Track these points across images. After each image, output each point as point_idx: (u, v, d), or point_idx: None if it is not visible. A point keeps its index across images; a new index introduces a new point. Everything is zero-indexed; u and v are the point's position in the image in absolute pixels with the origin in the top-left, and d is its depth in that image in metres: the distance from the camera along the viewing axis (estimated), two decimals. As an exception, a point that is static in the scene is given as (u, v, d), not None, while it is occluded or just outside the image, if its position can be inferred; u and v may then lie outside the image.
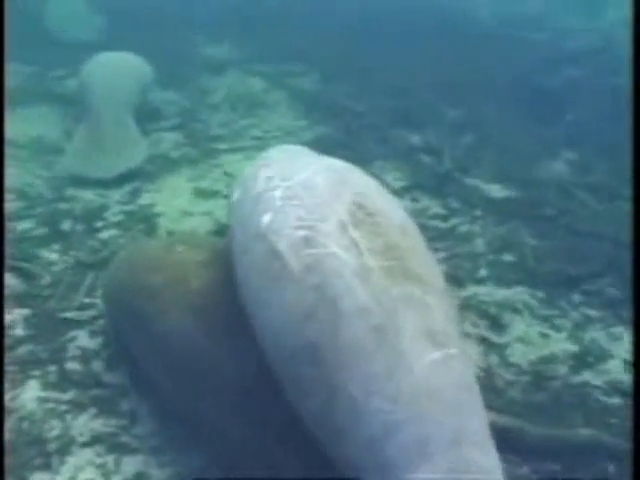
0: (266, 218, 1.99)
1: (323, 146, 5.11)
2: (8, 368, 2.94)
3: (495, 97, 5.66)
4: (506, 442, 2.47)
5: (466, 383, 1.67)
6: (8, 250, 3.77)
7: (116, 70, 5.10)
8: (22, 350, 3.05)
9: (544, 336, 3.07)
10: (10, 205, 4.34)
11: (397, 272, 1.77)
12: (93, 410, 2.71)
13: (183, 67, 6.64)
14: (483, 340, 3.04)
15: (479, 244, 3.74)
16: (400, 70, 6.35)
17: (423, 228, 3.89)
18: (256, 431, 2.22)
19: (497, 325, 3.13)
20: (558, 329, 3.11)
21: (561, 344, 3.02)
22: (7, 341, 3.11)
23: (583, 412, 2.61)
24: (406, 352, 1.60)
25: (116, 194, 4.45)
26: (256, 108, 5.79)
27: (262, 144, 5.13)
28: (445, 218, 4.01)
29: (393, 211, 2.09)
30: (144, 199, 4.36)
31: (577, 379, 2.81)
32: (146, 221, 4.09)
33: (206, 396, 2.28)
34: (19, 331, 3.18)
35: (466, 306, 3.25)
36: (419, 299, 1.73)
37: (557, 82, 5.32)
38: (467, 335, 3.07)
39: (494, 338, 3.05)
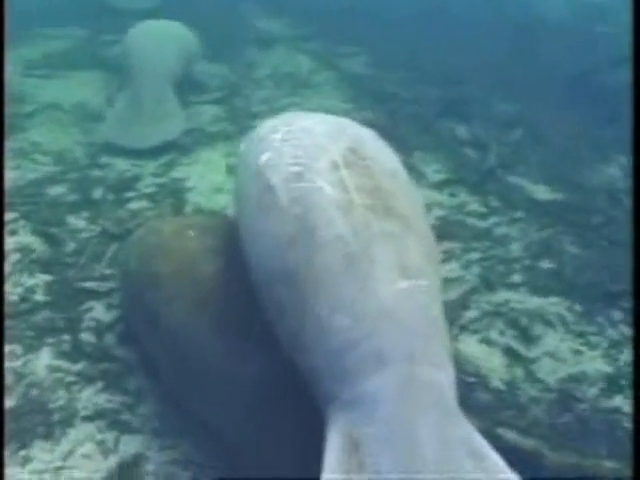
0: (264, 157, 2.13)
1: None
2: (25, 333, 2.94)
3: (551, 93, 5.36)
4: (523, 464, 2.33)
5: (430, 314, 1.77)
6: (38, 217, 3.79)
7: (158, 39, 5.03)
8: (40, 316, 3.04)
9: (576, 353, 2.88)
10: (46, 169, 4.37)
11: (380, 210, 1.86)
12: (100, 384, 2.68)
13: (233, 40, 6.53)
14: (509, 351, 2.86)
15: (516, 248, 3.54)
16: (454, 60, 6.10)
17: (459, 225, 3.79)
18: (258, 429, 2.14)
19: (526, 336, 2.94)
20: (592, 347, 2.91)
21: (594, 363, 2.82)
22: (26, 305, 3.12)
23: (610, 441, 2.42)
24: (374, 279, 1.72)
25: (150, 165, 4.40)
26: (301, 87, 5.65)
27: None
28: (483, 217, 3.81)
29: (387, 158, 2.18)
30: (177, 172, 4.30)
31: (607, 403, 2.62)
32: (176, 195, 4.03)
33: (208, 392, 2.20)
34: (39, 297, 3.17)
35: (495, 313, 3.07)
36: (398, 236, 1.83)
37: (619, 82, 4.99)
38: (492, 344, 2.91)
39: (521, 350, 2.87)
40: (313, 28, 7.03)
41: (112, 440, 2.43)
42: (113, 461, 2.35)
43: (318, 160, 1.98)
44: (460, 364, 2.76)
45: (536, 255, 3.47)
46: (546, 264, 3.41)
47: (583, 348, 2.90)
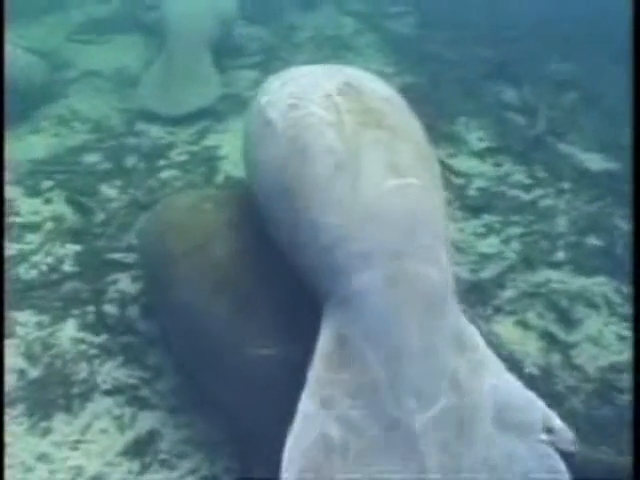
0: (265, 99, 2.23)
1: (407, 96, 4.72)
2: (52, 304, 2.95)
3: (611, 53, 4.95)
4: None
5: (421, 212, 1.78)
6: (72, 185, 3.79)
7: (195, 2, 4.89)
8: (67, 287, 3.04)
9: (621, 339, 2.66)
10: (83, 137, 4.36)
11: (371, 124, 1.89)
12: (121, 358, 2.66)
13: (274, 1, 6.33)
14: (546, 335, 2.67)
15: (562, 222, 3.30)
16: (506, 19, 5.73)
17: (500, 198, 3.56)
18: (273, 413, 2.06)
19: (567, 319, 2.74)
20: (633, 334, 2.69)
21: (640, 350, 2.61)
22: (55, 276, 3.12)
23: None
24: (363, 178, 1.77)
25: (184, 133, 4.33)
26: (343, 50, 5.43)
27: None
28: (528, 188, 3.56)
29: (383, 90, 2.19)
30: (210, 140, 4.21)
31: (654, 396, 2.42)
32: (208, 163, 3.96)
33: (222, 373, 2.13)
34: (67, 267, 3.17)
35: (534, 293, 2.87)
36: (387, 142, 1.86)
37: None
38: (528, 327, 2.72)
39: (561, 334, 2.68)
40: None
41: (129, 416, 2.41)
42: (129, 437, 2.33)
43: (313, 92, 2.06)
44: (492, 347, 2.58)
45: (583, 231, 3.23)
46: (593, 241, 3.17)
47: (629, 333, 2.69)
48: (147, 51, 5.42)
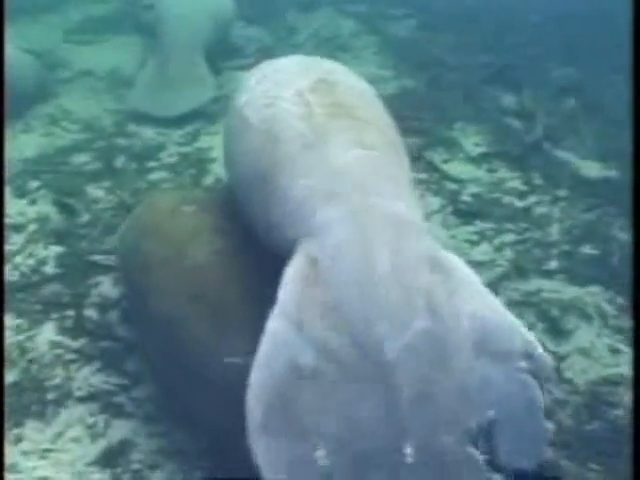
0: (243, 98, 2.31)
1: (404, 100, 4.67)
2: (32, 307, 2.89)
3: (614, 59, 4.86)
4: (535, 476, 2.10)
5: (386, 174, 1.86)
6: (59, 186, 3.73)
7: (191, 2, 4.84)
8: (47, 290, 2.98)
9: (614, 352, 2.57)
10: (74, 137, 4.31)
11: (339, 115, 1.98)
12: (98, 364, 2.59)
13: (274, 1, 6.28)
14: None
15: (556, 230, 3.21)
16: (509, 24, 5.66)
17: (494, 204, 3.48)
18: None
19: (558, 330, 2.65)
20: (633, 346, 2.60)
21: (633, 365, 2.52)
22: (36, 278, 3.06)
23: (643, 457, 2.14)
24: (331, 151, 1.87)
25: (176, 134, 4.28)
26: (341, 52, 5.36)
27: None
28: (522, 195, 3.48)
29: (356, 84, 2.28)
30: (202, 142, 4.16)
31: (645, 412, 2.33)
32: (198, 166, 3.89)
33: (197, 384, 2.05)
34: (49, 269, 3.11)
35: (525, 303, 2.79)
36: (354, 127, 1.95)
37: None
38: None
39: (550, 345, 2.59)
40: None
41: (102, 424, 2.33)
42: (101, 446, 2.25)
43: (286, 90, 2.13)
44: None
45: (578, 239, 3.14)
46: (588, 250, 3.08)
47: (622, 346, 2.60)
48: (143, 52, 5.38)
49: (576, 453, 2.17)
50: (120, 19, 6.10)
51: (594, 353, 2.57)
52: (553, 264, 3.00)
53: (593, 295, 2.83)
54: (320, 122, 1.97)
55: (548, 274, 2.95)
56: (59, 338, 2.73)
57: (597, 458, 2.15)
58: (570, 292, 2.85)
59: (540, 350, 1.61)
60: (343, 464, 1.44)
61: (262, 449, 1.47)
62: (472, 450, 1.47)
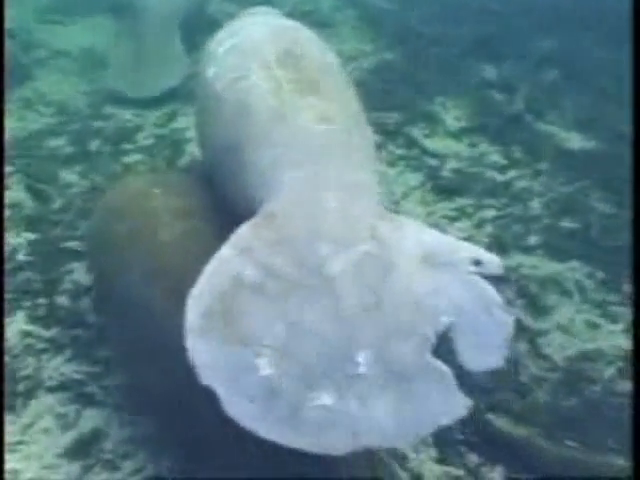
0: (211, 71, 2.34)
1: (383, 75, 4.59)
2: (5, 295, 2.83)
3: (599, 28, 4.78)
4: (515, 457, 2.08)
5: (348, 146, 1.92)
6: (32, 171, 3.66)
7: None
8: (20, 277, 2.91)
9: (593, 326, 2.55)
10: (48, 120, 4.22)
11: (305, 90, 2.04)
12: (69, 352, 2.54)
13: (252, -22, 6.13)
14: (515, 322, 2.55)
15: (536, 205, 3.17)
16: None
17: (474, 179, 3.42)
18: (215, 415, 1.95)
19: (536, 306, 2.62)
20: (613, 319, 2.57)
21: (612, 339, 2.48)
22: (9, 266, 2.99)
23: (622, 433, 2.08)
24: (297, 125, 1.94)
25: (152, 115, 4.18)
26: (319, 27, 5.14)
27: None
28: (503, 169, 3.42)
29: (320, 56, 2.30)
30: (178, 122, 4.06)
31: (624, 387, 2.29)
32: (174, 147, 3.81)
33: (161, 370, 2.00)
34: (21, 257, 3.04)
35: (504, 279, 2.75)
36: (320, 104, 2.00)
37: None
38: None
39: (528, 321, 2.56)
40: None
41: (73, 413, 2.29)
42: (71, 436, 2.22)
43: (254, 63, 2.18)
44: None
45: (558, 213, 3.10)
46: (568, 224, 3.04)
47: (601, 321, 2.57)
48: (117, 31, 5.23)
49: (553, 431, 2.15)
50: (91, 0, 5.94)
51: (572, 329, 2.54)
52: (533, 239, 2.96)
53: (573, 270, 2.79)
54: (288, 96, 2.04)
55: (528, 250, 2.91)
56: (30, 327, 2.67)
57: (573, 434, 2.13)
58: (550, 267, 2.81)
59: (487, 253, 1.60)
60: (288, 374, 1.39)
61: (198, 351, 1.42)
62: (432, 358, 1.43)
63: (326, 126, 1.92)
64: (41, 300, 2.79)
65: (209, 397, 1.91)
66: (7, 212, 3.34)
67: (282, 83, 2.07)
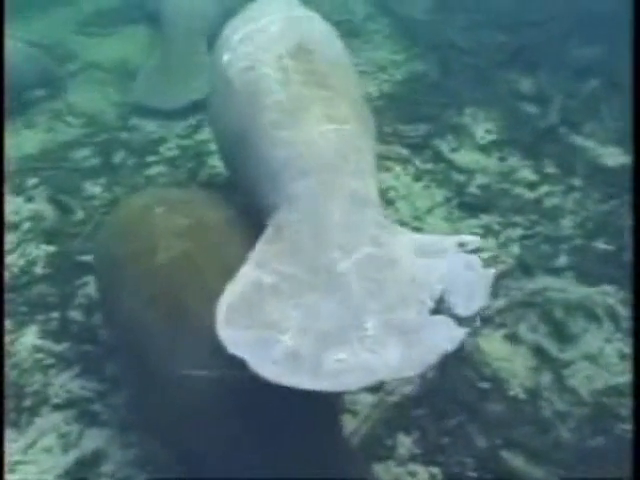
0: (225, 57, 2.45)
1: (414, 86, 4.47)
2: (19, 308, 2.83)
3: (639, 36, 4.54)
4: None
5: (353, 146, 2.06)
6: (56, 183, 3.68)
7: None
8: (35, 290, 2.93)
9: (623, 357, 2.37)
10: (77, 131, 4.25)
11: (313, 84, 2.16)
12: (78, 368, 2.52)
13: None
14: (538, 351, 2.41)
15: (567, 223, 2.99)
16: (529, 1, 5.34)
17: (502, 195, 3.27)
18: (216, 435, 1.89)
19: (562, 333, 2.46)
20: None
21: (645, 372, 2.31)
22: (25, 278, 3.01)
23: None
24: (305, 124, 2.05)
25: (178, 127, 4.16)
26: (352, 37, 5.13)
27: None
28: (533, 186, 3.26)
29: (332, 51, 2.40)
30: (203, 134, 4.03)
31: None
32: (197, 158, 3.78)
33: (161, 391, 1.95)
34: (38, 269, 3.06)
35: (528, 303, 2.60)
36: (327, 99, 2.14)
37: None
38: (519, 341, 2.46)
39: (553, 350, 2.40)
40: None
41: (76, 432, 2.27)
42: (71, 457, 2.18)
43: (267, 53, 2.28)
44: (475, 365, 2.36)
45: (590, 233, 2.92)
46: (601, 245, 2.86)
47: (633, 352, 2.39)
48: (151, 43, 5.26)
49: (575, 472, 1.99)
50: (131, 10, 5.99)
51: (601, 359, 2.37)
52: (562, 260, 2.80)
53: (604, 295, 2.62)
54: (296, 91, 2.15)
55: (556, 272, 2.74)
56: (42, 342, 2.66)
57: (599, 478, 1.97)
58: (579, 291, 2.64)
59: (468, 236, 1.84)
60: (307, 344, 1.58)
61: (227, 334, 1.61)
62: (433, 316, 1.63)
63: (335, 126, 2.05)
64: (54, 314, 2.79)
65: (204, 419, 1.87)
66: (28, 224, 3.38)
67: (291, 75, 2.18)
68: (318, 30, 2.51)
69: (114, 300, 2.13)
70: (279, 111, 2.09)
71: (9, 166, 3.82)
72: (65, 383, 2.46)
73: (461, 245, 1.77)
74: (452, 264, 1.72)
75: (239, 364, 1.83)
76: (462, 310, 1.61)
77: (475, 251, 1.76)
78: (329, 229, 1.78)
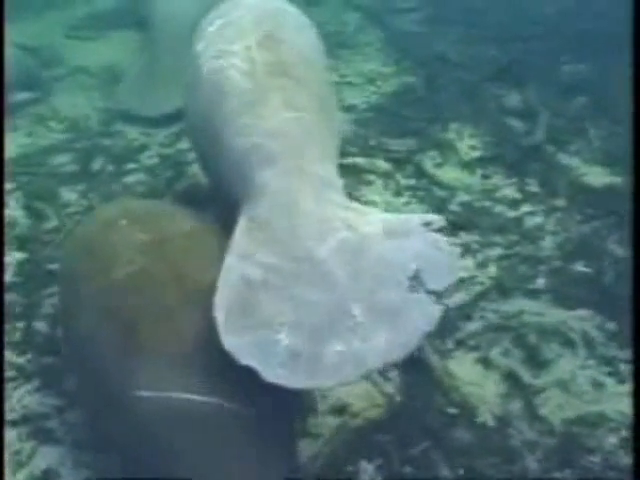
0: (199, 46, 2.54)
1: (401, 99, 4.41)
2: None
3: (630, 56, 4.50)
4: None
5: (314, 133, 2.14)
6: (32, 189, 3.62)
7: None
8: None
9: (598, 386, 2.30)
10: (58, 137, 4.20)
11: (277, 73, 2.24)
12: (37, 382, 2.45)
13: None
14: (510, 376, 2.33)
15: (548, 244, 2.93)
16: (520, 16, 5.31)
17: (483, 214, 3.20)
18: (165, 458, 1.82)
19: (535, 358, 2.39)
20: (621, 379, 2.31)
21: (618, 402, 2.22)
22: (-8, 286, 2.94)
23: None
24: (267, 112, 2.13)
25: (160, 134, 4.11)
26: (342, 48, 5.10)
27: (334, 90, 4.51)
28: (515, 204, 3.19)
29: (301, 41, 2.46)
30: (185, 142, 3.96)
31: (624, 461, 2.02)
32: (176, 168, 3.72)
33: (112, 411, 1.88)
34: (7, 277, 2.98)
35: (502, 326, 2.53)
36: (289, 88, 2.21)
37: None
38: (490, 365, 2.39)
39: (525, 376, 2.33)
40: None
41: (28, 450, 2.19)
42: (22, 476, 2.10)
43: (236, 44, 2.35)
44: (444, 389, 2.29)
45: (570, 255, 2.85)
46: (580, 267, 2.79)
47: (608, 380, 2.32)
48: (140, 48, 5.21)
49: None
50: (123, 15, 5.95)
51: (574, 387, 2.30)
52: (540, 282, 2.73)
53: (580, 320, 2.55)
54: (261, 80, 2.22)
55: (533, 294, 2.68)
56: (5, 353, 2.59)
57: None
58: (555, 315, 2.57)
59: (432, 215, 1.96)
60: (303, 338, 1.68)
61: (233, 345, 1.68)
62: (408, 293, 1.76)
63: (294, 114, 2.12)
64: (19, 324, 2.72)
65: (155, 441, 1.80)
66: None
67: (257, 65, 2.25)
68: (290, 21, 2.56)
69: (71, 315, 2.07)
70: (241, 99, 2.19)
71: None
72: (22, 397, 2.39)
73: (426, 224, 1.89)
74: (421, 243, 1.85)
75: (191, 386, 1.78)
76: (435, 286, 1.75)
77: (439, 230, 1.89)
78: (301, 217, 1.88)
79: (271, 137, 2.07)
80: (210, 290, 1.78)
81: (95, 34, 5.73)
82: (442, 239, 1.86)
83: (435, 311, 1.73)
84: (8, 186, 3.64)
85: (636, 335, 2.07)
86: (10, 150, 4.03)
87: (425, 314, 1.72)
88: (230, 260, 1.84)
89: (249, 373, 1.65)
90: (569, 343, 2.45)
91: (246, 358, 1.64)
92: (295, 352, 1.65)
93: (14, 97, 4.48)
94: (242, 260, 1.82)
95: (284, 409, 1.85)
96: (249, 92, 2.18)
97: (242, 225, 1.93)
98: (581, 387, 2.30)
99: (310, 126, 2.13)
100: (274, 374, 1.62)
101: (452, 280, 1.80)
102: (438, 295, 1.75)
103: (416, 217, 1.94)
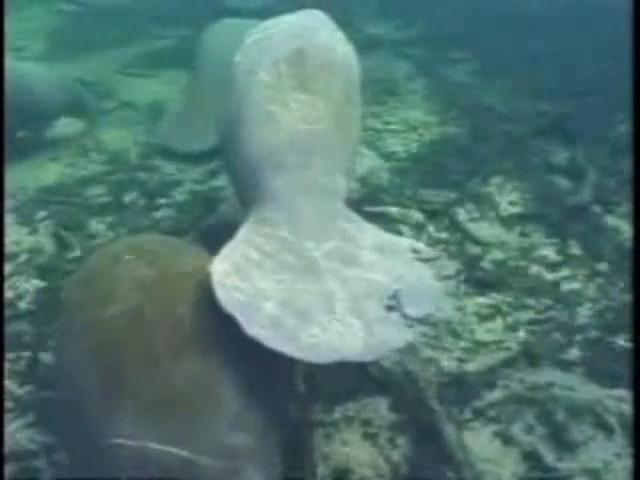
0: (238, 57, 2.66)
1: (442, 149, 4.28)
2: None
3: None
4: None
5: (327, 146, 2.26)
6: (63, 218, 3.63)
7: (230, 39, 4.69)
8: (13, 327, 2.81)
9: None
10: (97, 168, 4.24)
11: (298, 88, 2.35)
12: (31, 417, 2.37)
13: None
14: (531, 456, 2.10)
15: (585, 312, 2.70)
16: (575, 72, 5.15)
17: (516, 274, 3.00)
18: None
19: (562, 439, 2.15)
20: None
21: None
22: (8, 313, 2.90)
23: None
24: (283, 125, 2.27)
25: (196, 171, 4.10)
26: (388, 95, 5.05)
27: (375, 137, 4.44)
28: (553, 266, 2.98)
29: (330, 58, 2.49)
30: (219, 180, 3.95)
31: None
32: (206, 205, 3.68)
33: (90, 456, 1.77)
34: (22, 304, 2.97)
35: (527, 398, 2.30)
36: (307, 102, 2.32)
37: None
38: (510, 441, 2.16)
39: (549, 458, 2.09)
40: (421, 29, 6.41)
41: (10, 491, 2.09)
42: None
43: (267, 57, 2.46)
44: (456, 465, 2.07)
45: (610, 326, 2.61)
46: (621, 341, 2.55)
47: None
48: (187, 86, 5.29)
49: None
50: (177, 54, 6.11)
51: (606, 477, 2.05)
52: (573, 353, 2.50)
53: (618, 400, 2.29)
54: (283, 93, 2.34)
55: (565, 365, 2.45)
56: (6, 382, 2.53)
57: None
58: (588, 391, 2.33)
59: (421, 244, 2.11)
60: (287, 315, 1.80)
61: (222, 294, 1.81)
62: (387, 311, 1.88)
63: (308, 127, 2.25)
64: (26, 354, 2.67)
65: None
66: (25, 256, 3.32)
67: (282, 78, 2.37)
68: (322, 36, 2.61)
69: (62, 347, 1.99)
70: (262, 109, 2.32)
71: (23, 196, 3.85)
72: (13, 434, 2.30)
73: (415, 251, 2.04)
74: (406, 268, 1.99)
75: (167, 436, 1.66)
76: (412, 311, 1.87)
77: (428, 260, 2.04)
78: (302, 224, 2.03)
79: (283, 148, 2.21)
80: (199, 337, 1.67)
81: (148, 72, 5.91)
82: (427, 272, 2.00)
83: (407, 334, 1.84)
84: (41, 214, 3.69)
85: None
86: (48, 179, 4.12)
87: (398, 333, 1.83)
88: (233, 243, 2.01)
89: (230, 425, 1.61)
90: (603, 425, 2.20)
91: (234, 310, 1.76)
92: (277, 322, 1.78)
93: (63, 129, 4.62)
94: (244, 244, 2.00)
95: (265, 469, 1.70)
96: (268, 104, 2.31)
97: (250, 222, 2.10)
98: (614, 478, 2.04)
99: (322, 140, 2.26)
100: (256, 331, 1.74)
101: (429, 311, 1.89)
102: (414, 321, 1.85)
103: (406, 241, 2.14)
